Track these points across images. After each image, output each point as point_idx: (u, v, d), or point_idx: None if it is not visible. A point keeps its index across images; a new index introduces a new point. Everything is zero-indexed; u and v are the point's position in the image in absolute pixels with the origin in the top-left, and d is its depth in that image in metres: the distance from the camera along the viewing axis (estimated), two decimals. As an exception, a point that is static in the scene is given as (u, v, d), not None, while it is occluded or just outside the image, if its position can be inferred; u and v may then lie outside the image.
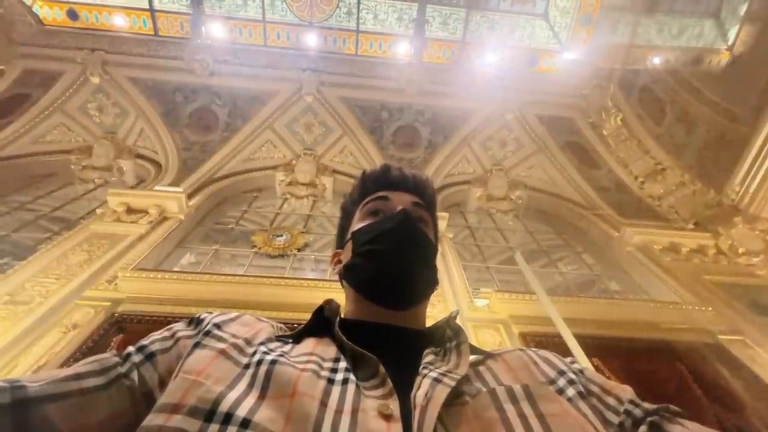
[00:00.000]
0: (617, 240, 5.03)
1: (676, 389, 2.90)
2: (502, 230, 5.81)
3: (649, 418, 0.44)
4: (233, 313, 0.55)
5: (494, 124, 6.28)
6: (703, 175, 5.23)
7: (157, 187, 4.95)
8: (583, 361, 2.15)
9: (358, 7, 5.83)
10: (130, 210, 4.43)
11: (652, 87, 5.75)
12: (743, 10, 5.00)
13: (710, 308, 3.69)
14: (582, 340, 2.50)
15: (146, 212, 4.43)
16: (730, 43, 5.11)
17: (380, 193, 0.69)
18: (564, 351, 2.31)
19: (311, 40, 5.93)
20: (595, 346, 2.95)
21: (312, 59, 5.97)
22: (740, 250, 4.50)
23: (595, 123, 6.23)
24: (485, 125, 6.27)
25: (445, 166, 6.27)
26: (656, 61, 5.67)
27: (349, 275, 0.63)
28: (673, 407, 0.45)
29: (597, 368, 2.81)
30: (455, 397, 0.41)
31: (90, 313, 3.02)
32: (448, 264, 4.08)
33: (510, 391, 0.43)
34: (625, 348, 3.16)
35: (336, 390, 0.41)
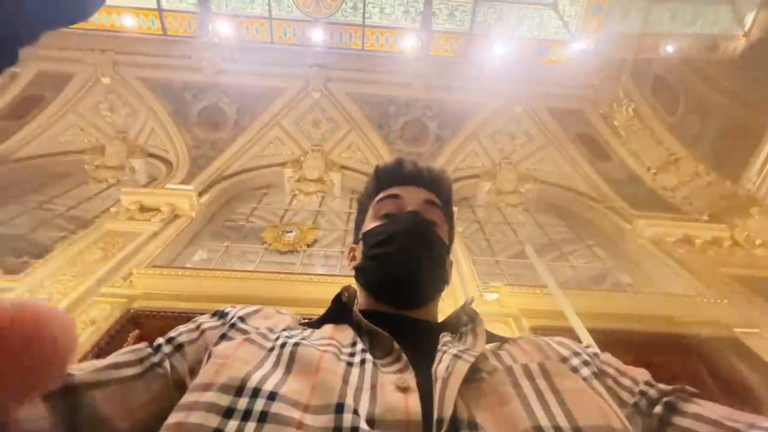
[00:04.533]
0: (629, 232, 4.96)
1: (690, 383, 2.85)
2: (512, 224, 5.77)
3: (664, 399, 0.44)
4: (255, 306, 0.58)
5: (503, 117, 6.21)
6: (718, 166, 5.11)
7: (168, 186, 5.02)
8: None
9: (364, 1, 5.79)
10: (142, 208, 4.50)
11: (665, 76, 5.62)
12: (761, -6, 4.84)
13: (726, 301, 3.62)
14: (594, 334, 2.48)
15: (158, 210, 4.50)
16: (746, 28, 4.96)
17: (392, 191, 0.69)
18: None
19: (317, 35, 5.92)
20: (607, 340, 2.91)
21: (318, 55, 5.96)
22: (757, 242, 4.40)
23: (606, 114, 6.13)
24: (494, 118, 6.22)
25: (453, 160, 6.24)
26: (669, 49, 5.54)
27: (359, 276, 0.65)
28: (689, 388, 0.45)
29: (609, 362, 2.79)
30: (473, 374, 0.43)
31: (107, 309, 3.09)
32: (457, 258, 4.07)
33: (526, 368, 0.44)
34: (638, 342, 3.12)
35: (355, 371, 0.43)
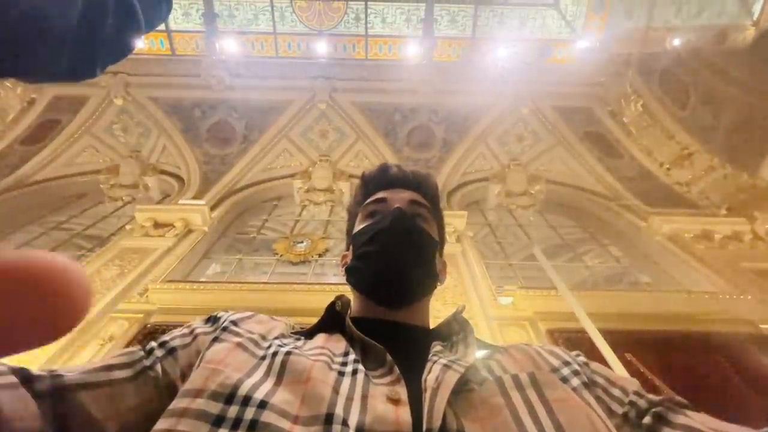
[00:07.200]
0: (645, 230, 4.86)
1: (717, 382, 2.77)
2: (524, 226, 5.71)
3: (653, 409, 0.44)
4: (248, 312, 0.58)
5: (510, 119, 6.19)
6: (733, 158, 4.99)
7: (181, 201, 5.11)
8: (609, 356, 2.09)
9: (366, 12, 5.87)
10: (157, 224, 4.59)
11: (674, 69, 5.54)
12: (768, -18, 4.75)
13: (749, 296, 3.52)
14: (613, 335, 2.43)
15: (172, 226, 4.58)
16: (755, 17, 4.87)
17: (379, 195, 0.71)
18: (594, 347, 2.25)
19: (321, 47, 6.01)
20: (627, 341, 2.86)
21: (323, 67, 6.04)
22: (779, 234, 4.28)
23: (615, 111, 6.06)
24: (500, 120, 6.19)
25: (461, 164, 6.22)
26: (676, 42, 5.46)
27: (349, 277, 0.65)
28: (678, 398, 0.44)
29: (630, 363, 2.72)
30: (463, 384, 0.43)
31: (124, 325, 3.15)
32: (469, 263, 4.03)
33: (516, 379, 0.44)
34: (659, 342, 3.04)
35: (346, 381, 0.43)
